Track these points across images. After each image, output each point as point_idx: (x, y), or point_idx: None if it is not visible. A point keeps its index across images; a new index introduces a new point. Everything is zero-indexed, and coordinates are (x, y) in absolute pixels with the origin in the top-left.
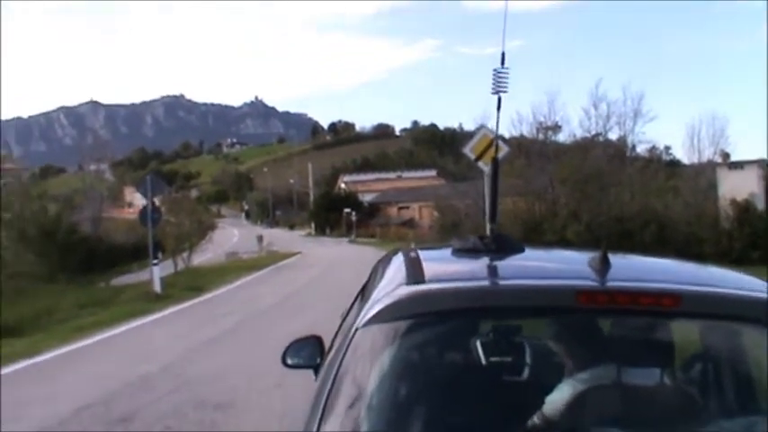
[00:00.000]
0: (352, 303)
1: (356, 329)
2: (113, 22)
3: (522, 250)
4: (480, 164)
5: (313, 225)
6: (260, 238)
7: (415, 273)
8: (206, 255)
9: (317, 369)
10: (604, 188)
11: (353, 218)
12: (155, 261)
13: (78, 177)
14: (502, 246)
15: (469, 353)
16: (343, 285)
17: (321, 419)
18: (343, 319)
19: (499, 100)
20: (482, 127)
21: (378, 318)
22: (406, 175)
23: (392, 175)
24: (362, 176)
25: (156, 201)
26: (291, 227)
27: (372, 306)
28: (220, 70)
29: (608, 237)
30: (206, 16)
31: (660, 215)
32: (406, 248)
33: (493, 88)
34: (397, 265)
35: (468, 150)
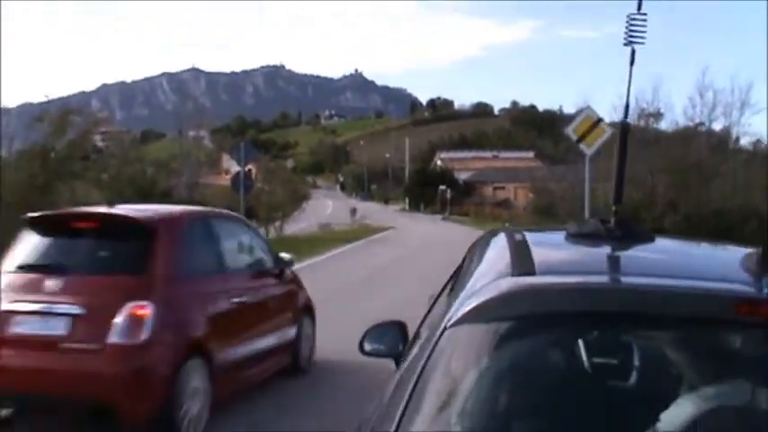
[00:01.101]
0: (443, 288)
1: (445, 328)
2: None
3: (652, 239)
4: (582, 146)
5: (407, 200)
6: (353, 211)
7: (522, 261)
8: (299, 224)
9: (398, 359)
10: (705, 179)
11: (448, 195)
12: None
13: (177, 143)
14: (628, 233)
15: (573, 354)
16: (435, 264)
17: (402, 418)
18: (432, 306)
19: (632, 54)
20: (586, 107)
21: (473, 316)
22: (503, 155)
23: (489, 154)
24: (459, 154)
25: (252, 168)
26: (386, 201)
27: (467, 300)
28: (321, 42)
29: (707, 231)
30: None
31: (762, 211)
32: (509, 229)
33: (625, 38)
34: (499, 250)
35: (571, 131)
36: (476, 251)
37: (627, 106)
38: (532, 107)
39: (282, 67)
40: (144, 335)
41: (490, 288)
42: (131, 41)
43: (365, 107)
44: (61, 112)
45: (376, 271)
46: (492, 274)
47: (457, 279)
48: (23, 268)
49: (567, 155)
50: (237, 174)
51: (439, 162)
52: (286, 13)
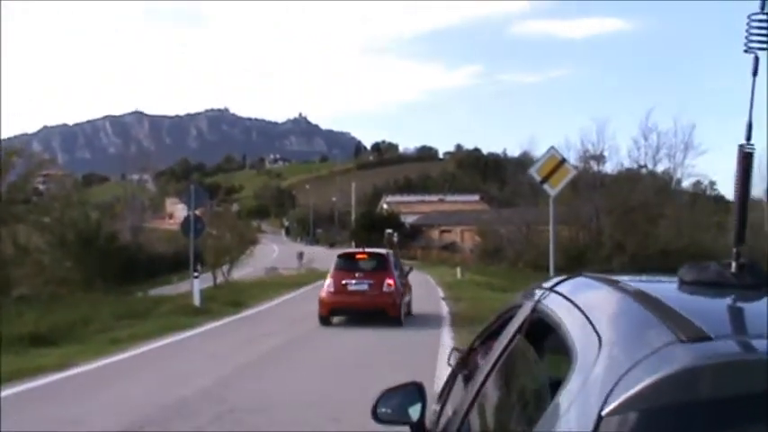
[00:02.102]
0: (473, 348)
1: (600, 417)
2: (161, 35)
3: None
4: (546, 186)
5: (353, 244)
6: (300, 255)
7: (677, 320)
8: (246, 269)
9: (416, 427)
10: (651, 220)
11: (395, 238)
12: (195, 274)
13: (121, 186)
14: (759, 280)
15: None
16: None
17: None
18: (457, 367)
19: (756, 62)
20: (551, 148)
21: (646, 400)
22: (448, 198)
23: (435, 197)
24: (405, 198)
25: (198, 212)
26: (332, 245)
27: (621, 378)
28: (265, 86)
29: (653, 270)
30: (252, 32)
31: (708, 250)
32: (591, 276)
33: (745, 44)
34: (616, 304)
35: (534, 172)
36: (549, 306)
37: (749, 126)
38: (476, 150)
39: (226, 110)
40: (391, 289)
41: (657, 360)
42: (73, 83)
43: (310, 151)
44: (4, 154)
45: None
46: (636, 340)
47: (516, 344)
48: (343, 270)
49: (512, 198)
50: (187, 218)
51: (385, 206)
52: (230, 56)
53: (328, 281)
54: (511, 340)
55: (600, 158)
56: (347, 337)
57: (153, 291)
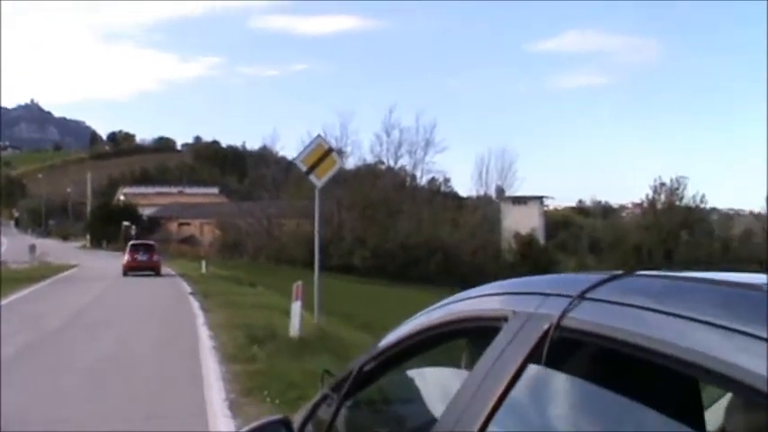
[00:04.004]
0: (349, 374)
1: None
2: None
3: None
4: (312, 177)
5: (89, 237)
6: (32, 248)
7: None
8: None
9: None
10: (391, 215)
11: (133, 231)
12: None
13: None
14: None
15: None
16: (131, 307)
17: None
18: (335, 392)
19: None
20: (317, 137)
21: None
22: (188, 190)
23: (174, 189)
24: (143, 189)
25: None
26: (65, 237)
27: None
28: None
29: (395, 265)
30: None
31: (446, 245)
32: (644, 275)
33: None
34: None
35: (300, 161)
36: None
37: None
38: (215, 142)
39: None
40: (157, 258)
41: None
42: None
43: (42, 138)
44: None
45: (75, 314)
46: None
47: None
48: (133, 251)
49: (254, 190)
50: None
51: (122, 197)
52: None
53: (127, 256)
54: (517, 373)
55: (341, 153)
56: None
57: None
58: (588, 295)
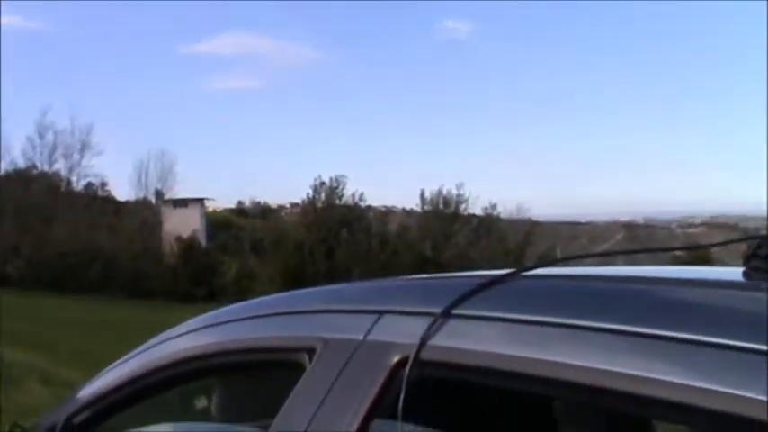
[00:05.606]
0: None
1: None
2: None
3: None
4: None
5: None
6: None
7: None
8: None
9: None
10: (46, 222)
11: None
12: None
13: None
14: None
15: None
16: None
17: None
18: None
19: None
20: None
21: None
22: None
23: None
24: None
25: None
26: None
27: None
28: None
29: (52, 274)
30: None
31: (106, 251)
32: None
33: None
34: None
35: None
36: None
37: None
38: None
39: None
40: None
41: None
42: None
43: None
44: None
45: None
46: None
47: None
48: None
49: None
50: None
51: None
52: None
53: None
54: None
55: None
56: None
57: None
58: (457, 310)
